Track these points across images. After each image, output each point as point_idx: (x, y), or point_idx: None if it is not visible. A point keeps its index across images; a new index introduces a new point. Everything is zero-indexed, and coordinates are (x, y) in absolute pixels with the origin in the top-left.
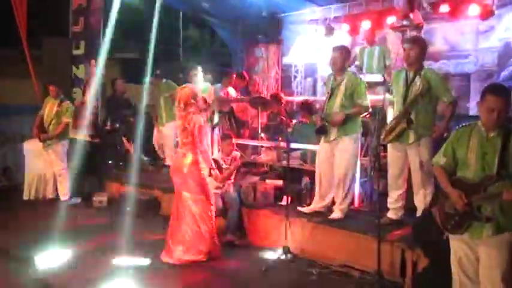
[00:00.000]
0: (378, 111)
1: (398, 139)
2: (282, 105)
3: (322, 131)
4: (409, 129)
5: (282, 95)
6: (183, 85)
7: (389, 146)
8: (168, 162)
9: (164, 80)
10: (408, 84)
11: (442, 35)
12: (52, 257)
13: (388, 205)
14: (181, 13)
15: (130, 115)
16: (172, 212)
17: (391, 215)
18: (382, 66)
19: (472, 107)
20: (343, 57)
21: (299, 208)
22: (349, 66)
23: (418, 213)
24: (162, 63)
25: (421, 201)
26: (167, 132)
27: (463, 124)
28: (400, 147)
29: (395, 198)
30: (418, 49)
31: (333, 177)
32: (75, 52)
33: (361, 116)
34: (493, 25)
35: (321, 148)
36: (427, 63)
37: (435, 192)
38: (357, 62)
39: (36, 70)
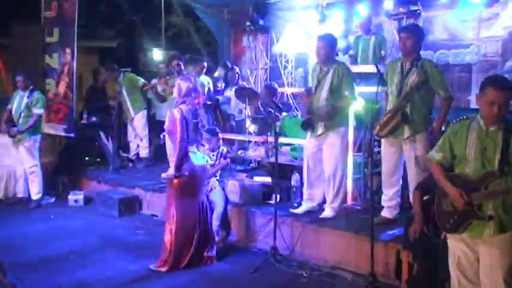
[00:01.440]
0: (372, 104)
1: (392, 134)
2: (277, 97)
3: (308, 125)
4: (404, 124)
5: (277, 85)
6: (184, 75)
7: (383, 141)
8: (143, 154)
9: (123, 72)
10: (404, 76)
11: (442, 23)
12: (22, 261)
13: (383, 203)
14: None
15: (108, 108)
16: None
17: (385, 213)
18: (378, 56)
19: (474, 100)
20: (328, 47)
21: (291, 210)
22: (337, 55)
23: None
24: (143, 52)
25: None
26: (138, 124)
27: (460, 118)
28: (395, 142)
29: (390, 196)
30: (415, 38)
31: (322, 174)
32: (48, 40)
33: (354, 108)
34: (497, 12)
35: (308, 144)
36: (425, 53)
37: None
38: (351, 52)
39: (5, 59)
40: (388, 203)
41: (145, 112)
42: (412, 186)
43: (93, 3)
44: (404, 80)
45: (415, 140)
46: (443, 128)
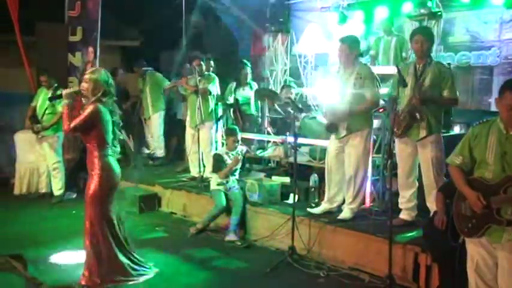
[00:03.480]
0: (391, 106)
1: (407, 134)
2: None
3: (332, 128)
4: (414, 123)
5: (295, 86)
6: (95, 68)
7: (398, 142)
8: (158, 154)
9: (149, 70)
10: (418, 77)
11: (463, 24)
12: (44, 255)
13: (400, 205)
14: None
15: (129, 107)
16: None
17: (403, 215)
18: (399, 57)
19: (494, 103)
20: (350, 49)
21: (309, 209)
22: (361, 56)
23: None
24: (164, 51)
25: (433, 202)
26: (153, 123)
27: (480, 121)
28: (410, 142)
29: (408, 197)
30: (431, 41)
31: (343, 176)
32: (72, 39)
33: (373, 110)
34: None
35: (330, 145)
36: (446, 55)
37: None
38: (371, 52)
39: (30, 57)
40: (406, 205)
41: (162, 113)
42: (428, 189)
43: (116, 2)
44: (419, 80)
45: (430, 140)
46: (458, 130)
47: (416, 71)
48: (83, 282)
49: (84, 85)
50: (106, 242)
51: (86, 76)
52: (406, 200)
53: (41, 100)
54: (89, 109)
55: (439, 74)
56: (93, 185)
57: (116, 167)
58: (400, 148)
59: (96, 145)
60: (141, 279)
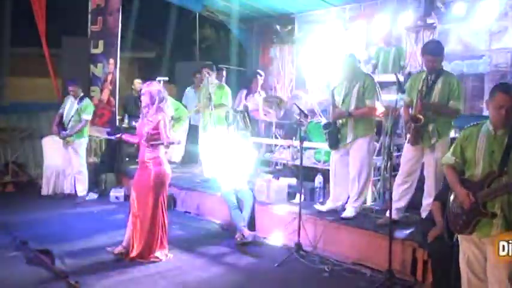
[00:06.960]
0: (392, 111)
1: (418, 142)
2: (302, 104)
3: (328, 126)
4: (419, 125)
5: (302, 93)
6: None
7: (408, 145)
8: (174, 159)
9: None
10: (429, 87)
11: (456, 35)
12: (69, 250)
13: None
14: (197, 13)
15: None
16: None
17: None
18: (398, 66)
19: (485, 104)
20: (352, 66)
21: (315, 206)
22: (359, 63)
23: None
24: (178, 62)
25: (429, 204)
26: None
27: (471, 124)
28: (419, 147)
29: (398, 196)
30: (440, 58)
31: (347, 176)
32: (94, 51)
33: (376, 116)
34: (506, 26)
35: (336, 150)
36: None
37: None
38: (373, 61)
39: (56, 68)
40: (396, 205)
41: (187, 121)
42: (426, 187)
43: (134, 18)
44: (430, 91)
45: (437, 146)
46: (454, 134)
47: (428, 80)
48: (134, 255)
49: (143, 98)
50: (158, 222)
51: (142, 90)
52: (397, 199)
53: (68, 108)
54: (159, 118)
55: (449, 85)
56: (149, 176)
57: (167, 162)
58: (408, 149)
59: (154, 144)
60: (164, 258)
